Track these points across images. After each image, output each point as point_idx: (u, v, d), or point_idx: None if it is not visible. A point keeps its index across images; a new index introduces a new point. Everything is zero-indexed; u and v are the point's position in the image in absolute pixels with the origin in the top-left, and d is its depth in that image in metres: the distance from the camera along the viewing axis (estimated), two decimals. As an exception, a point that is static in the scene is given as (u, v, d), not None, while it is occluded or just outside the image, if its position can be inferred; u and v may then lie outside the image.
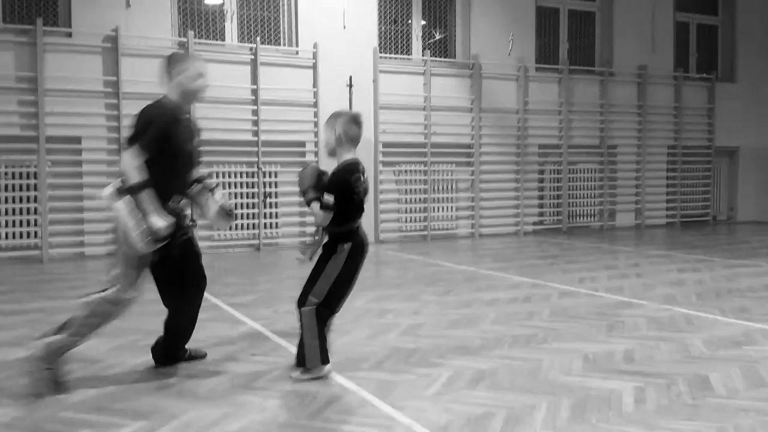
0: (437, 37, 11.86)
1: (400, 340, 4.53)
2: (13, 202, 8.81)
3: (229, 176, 9.93)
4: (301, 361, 3.68)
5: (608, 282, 6.84)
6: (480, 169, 11.68)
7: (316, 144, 10.33)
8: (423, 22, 11.66)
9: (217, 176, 9.82)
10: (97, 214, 9.11)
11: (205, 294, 6.17)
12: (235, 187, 9.97)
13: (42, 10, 9.08)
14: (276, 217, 10.27)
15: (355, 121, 3.72)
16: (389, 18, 11.36)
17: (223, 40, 10.12)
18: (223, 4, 10.18)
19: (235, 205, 9.94)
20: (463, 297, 6.07)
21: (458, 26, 11.81)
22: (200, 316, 5.26)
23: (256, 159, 10.00)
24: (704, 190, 13.92)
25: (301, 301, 3.69)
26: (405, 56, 11.39)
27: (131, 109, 9.25)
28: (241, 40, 10.21)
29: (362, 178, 3.65)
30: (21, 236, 8.84)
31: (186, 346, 4.05)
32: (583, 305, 5.63)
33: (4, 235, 8.76)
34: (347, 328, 4.85)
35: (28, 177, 8.86)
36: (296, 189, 10.90)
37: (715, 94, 13.82)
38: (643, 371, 3.80)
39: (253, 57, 9.99)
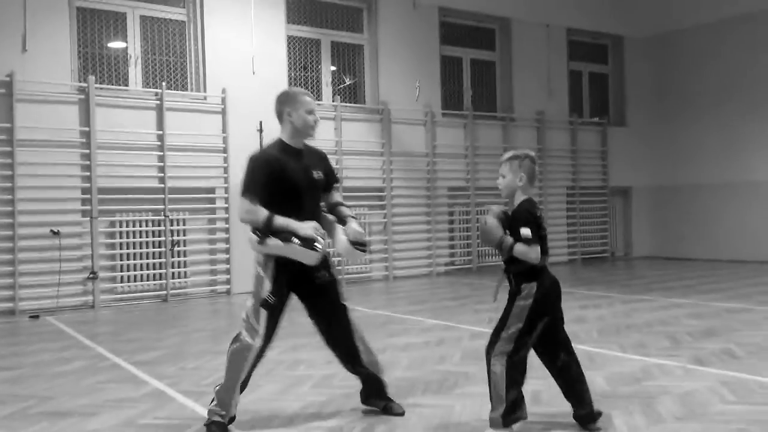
0: (347, 82, 12.03)
1: (312, 393, 4.42)
2: None
3: (134, 225, 9.55)
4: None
5: (516, 321, 6.99)
6: (392, 212, 11.81)
7: (226, 190, 10.14)
8: (333, 68, 11.81)
9: (122, 225, 9.44)
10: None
11: (104, 352, 5.92)
12: (141, 236, 9.59)
13: (-73, 54, 8.54)
14: (184, 266, 9.92)
15: (536, 161, 3.67)
16: (299, 64, 11.44)
17: (127, 85, 9.84)
18: (126, 48, 9.94)
19: (142, 254, 9.55)
20: (377, 343, 5.97)
21: (367, 73, 12.04)
22: (96, 377, 5.01)
23: (162, 206, 9.68)
24: (602, 227, 14.64)
25: (489, 349, 3.51)
26: (316, 101, 11.43)
27: (26, 158, 8.81)
28: (146, 86, 9.96)
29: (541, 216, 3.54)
30: None
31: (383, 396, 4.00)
32: (493, 347, 5.71)
33: None
34: (257, 382, 4.69)
35: None
36: (206, 237, 10.58)
37: (607, 137, 14.67)
38: (548, 412, 3.87)
39: (158, 102, 9.75)
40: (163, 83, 9.84)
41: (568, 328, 6.51)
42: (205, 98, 10.22)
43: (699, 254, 13.89)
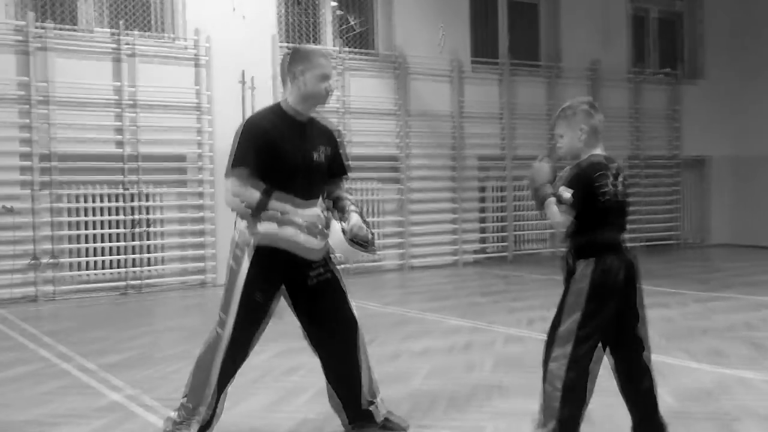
0: (353, 24, 11.97)
1: (308, 406, 4.45)
2: None
3: (88, 200, 9.61)
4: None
5: (562, 323, 7.00)
6: (409, 187, 11.81)
7: (203, 157, 10.17)
8: (334, 4, 11.75)
9: (71, 200, 9.50)
10: None
11: (48, 355, 5.98)
12: (96, 213, 9.66)
13: None
14: (151, 250, 9.99)
15: (597, 109, 3.59)
16: (293, 0, 11.39)
17: (75, 24, 9.85)
18: (78, -21, 9.93)
19: (99, 236, 9.62)
20: (389, 347, 6.06)
21: (379, 14, 11.98)
22: (50, 384, 5.07)
23: (122, 177, 9.73)
24: (670, 208, 14.57)
25: (547, 352, 3.45)
26: (314, 47, 11.41)
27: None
28: (100, 25, 9.97)
29: (612, 179, 3.39)
30: None
31: (380, 406, 3.98)
32: (533, 353, 5.68)
33: None
34: (243, 393, 4.73)
35: None
36: (178, 215, 10.67)
37: (680, 95, 14.54)
38: (604, 435, 3.87)
39: (116, 47, 9.76)
40: (121, 23, 9.83)
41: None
42: (173, 42, 10.23)
43: (792, 243, 13.81)
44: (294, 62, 3.71)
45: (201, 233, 10.25)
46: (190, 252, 10.25)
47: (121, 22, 9.84)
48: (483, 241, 12.72)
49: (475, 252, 12.54)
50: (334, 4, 11.77)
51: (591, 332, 3.38)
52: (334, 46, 11.47)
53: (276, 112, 3.75)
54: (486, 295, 9.06)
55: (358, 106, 11.42)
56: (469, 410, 4.33)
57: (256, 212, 3.57)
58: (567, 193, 3.32)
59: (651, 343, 6.07)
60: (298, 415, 4.30)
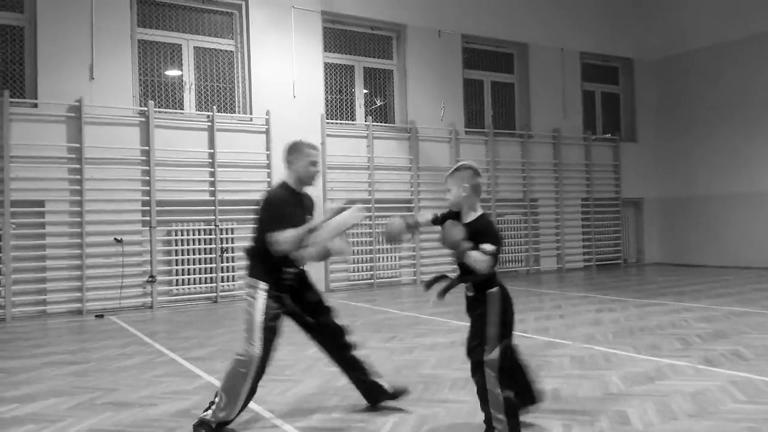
0: (378, 104, 12.08)
1: (348, 388, 4.40)
2: (-24, 263, 8.35)
3: (188, 234, 9.70)
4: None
5: (535, 323, 6.91)
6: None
7: (270, 202, 10.23)
8: (365, 91, 11.88)
9: (177, 234, 9.59)
10: (60, 273, 8.73)
11: (161, 348, 6.00)
12: (193, 243, 9.73)
13: (8, 83, 8.82)
14: (232, 270, 10.04)
15: (479, 173, 3.47)
16: (335, 88, 11.54)
17: (182, 108, 10.03)
18: (181, 75, 10.14)
19: (194, 260, 9.69)
20: (406, 342, 6.01)
21: (396, 95, 12.08)
22: (155, 371, 5.08)
23: (213, 217, 9.82)
24: (615, 236, 14.40)
25: (477, 360, 3.19)
26: (349, 121, 11.53)
27: (93, 174, 9.02)
28: (198, 109, 10.14)
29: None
30: (-18, 296, 8.35)
31: (383, 384, 3.90)
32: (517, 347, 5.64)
33: (-35, 296, 8.26)
34: (299, 377, 4.72)
35: (-9, 239, 8.43)
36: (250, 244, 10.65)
37: (620, 153, 14.46)
38: (568, 409, 3.80)
39: (210, 123, 9.92)
40: (214, 107, 10.01)
41: (585, 329, 6.46)
42: (251, 119, 10.36)
43: (707, 261, 13.57)
44: (290, 153, 3.80)
45: (269, 257, 10.27)
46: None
47: (214, 107, 10.01)
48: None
49: (470, 269, 12.42)
50: (365, 91, 11.90)
51: (509, 341, 3.29)
52: (365, 119, 11.56)
53: (286, 188, 3.78)
54: (478, 302, 8.92)
55: (381, 162, 11.47)
56: (466, 390, 4.27)
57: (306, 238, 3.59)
58: (492, 248, 3.20)
59: (603, 339, 5.99)
60: (340, 395, 4.27)
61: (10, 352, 6.15)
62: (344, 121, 11.44)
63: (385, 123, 11.93)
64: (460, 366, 4.95)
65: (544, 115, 13.47)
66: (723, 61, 13.40)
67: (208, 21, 10.40)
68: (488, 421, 3.17)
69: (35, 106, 8.79)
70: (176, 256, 9.58)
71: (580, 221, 13.86)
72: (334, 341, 3.86)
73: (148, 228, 9.27)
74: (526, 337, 6.08)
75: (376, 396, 3.90)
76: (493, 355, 3.15)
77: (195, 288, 9.70)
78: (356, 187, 11.13)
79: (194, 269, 9.69)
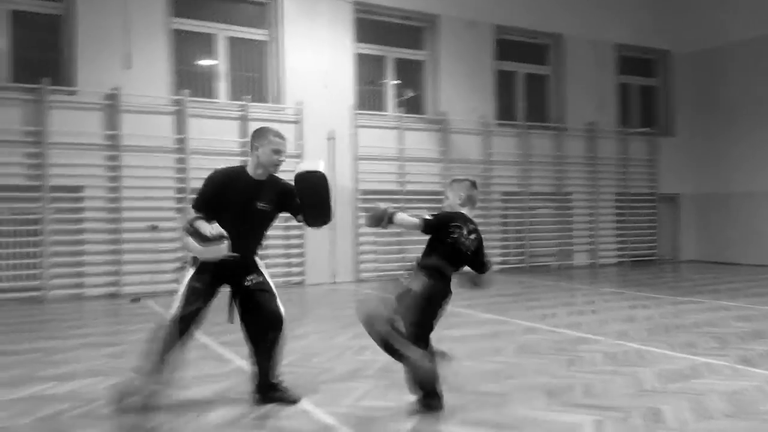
0: (409, 95, 12.04)
1: (377, 377, 4.44)
2: (18, 246, 8.61)
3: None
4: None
5: (567, 318, 6.84)
6: (449, 214, 11.72)
7: (300, 192, 10.31)
8: (396, 82, 11.85)
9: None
10: (96, 257, 8.94)
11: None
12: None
13: (48, 71, 9.03)
14: (264, 258, 10.13)
15: (476, 186, 3.77)
16: (366, 79, 11.53)
17: (216, 97, 10.15)
18: (215, 65, 10.25)
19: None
20: (434, 333, 5.97)
21: (428, 86, 12.02)
22: (188, 354, 5.14)
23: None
24: (650, 232, 14.12)
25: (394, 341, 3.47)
26: (380, 112, 11.52)
27: (130, 161, 9.21)
28: (232, 98, 10.25)
29: (463, 230, 3.55)
30: (23, 278, 8.61)
31: (279, 384, 3.90)
32: (545, 341, 5.60)
33: (7, 277, 8.52)
34: (328, 365, 4.76)
35: (31, 223, 8.68)
36: (282, 232, 10.70)
37: (656, 147, 14.15)
38: (600, 404, 3.76)
39: (243, 113, 10.02)
40: (247, 96, 10.10)
41: (618, 326, 6.37)
42: (283, 109, 10.43)
43: (744, 259, 13.22)
44: (255, 138, 3.80)
45: (300, 245, 10.38)
46: (292, 259, 10.38)
47: (248, 97, 10.11)
48: (505, 255, 12.53)
49: (500, 263, 12.36)
50: (396, 82, 11.87)
51: (421, 331, 3.60)
52: (396, 111, 11.54)
53: (233, 170, 3.84)
54: (508, 296, 8.89)
55: (412, 154, 11.44)
56: (497, 382, 4.26)
57: (186, 228, 3.67)
58: (426, 215, 3.54)
59: (637, 336, 5.90)
60: (369, 383, 4.29)
61: (49, 332, 6.34)
62: (375, 112, 11.43)
63: (416, 114, 11.88)
64: (491, 359, 4.94)
65: (578, 107, 13.25)
66: (765, 54, 12.98)
67: (242, 11, 10.48)
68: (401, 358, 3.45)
69: (73, 93, 8.99)
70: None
71: (614, 216, 13.64)
72: (258, 331, 3.84)
73: (180, 215, 9.42)
74: (556, 332, 6.02)
75: (265, 394, 3.86)
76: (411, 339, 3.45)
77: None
78: (386, 179, 11.13)
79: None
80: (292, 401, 3.81)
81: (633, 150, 13.90)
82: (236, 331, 6.20)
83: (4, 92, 8.62)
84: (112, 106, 9.10)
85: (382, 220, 3.55)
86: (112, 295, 8.87)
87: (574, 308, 7.61)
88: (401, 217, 3.58)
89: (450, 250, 3.56)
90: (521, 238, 12.58)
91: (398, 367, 4.66)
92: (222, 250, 3.55)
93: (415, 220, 3.55)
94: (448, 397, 3.88)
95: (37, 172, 8.65)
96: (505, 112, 12.78)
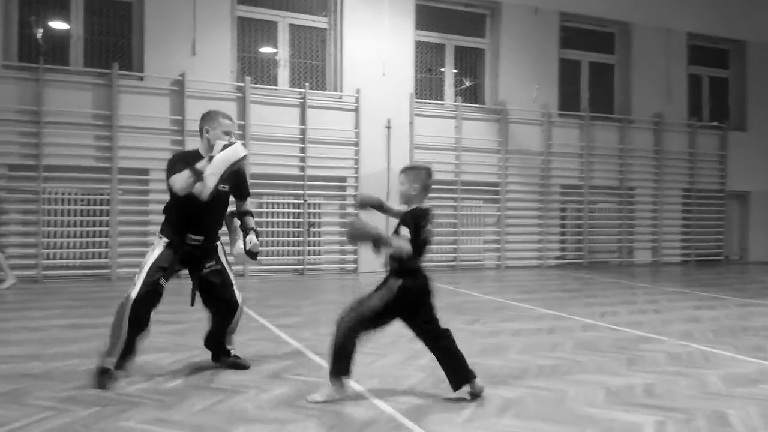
0: (467, 84, 11.92)
1: (431, 366, 4.44)
2: (87, 225, 9.04)
3: (278, 206, 10.04)
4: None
5: (628, 317, 6.67)
6: (506, 206, 11.60)
7: (356, 180, 10.41)
8: (455, 71, 11.75)
9: (267, 206, 9.95)
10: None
11: (253, 314, 6.28)
12: (283, 216, 10.08)
13: (118, 56, 9.40)
14: (318, 245, 10.32)
15: (432, 175, 3.77)
16: (424, 67, 11.48)
17: (276, 85, 10.33)
18: (276, 53, 10.42)
19: (282, 233, 10.03)
20: (490, 326, 5.97)
21: (487, 75, 11.87)
22: (248, 335, 5.33)
23: (302, 192, 10.10)
24: (717, 230, 13.58)
25: (342, 317, 3.64)
26: (438, 101, 11.46)
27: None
28: (291, 85, 10.41)
29: (429, 224, 3.62)
30: (93, 256, 9.04)
31: (233, 351, 4.29)
32: (605, 339, 5.49)
33: (77, 255, 8.97)
34: (382, 351, 4.81)
35: (101, 204, 9.09)
36: (337, 220, 10.92)
37: (727, 142, 13.55)
38: (663, 405, 3.66)
39: (302, 100, 10.16)
40: (306, 84, 10.24)
41: (682, 326, 6.17)
42: (341, 97, 10.52)
43: (821, 262, 12.53)
44: (205, 121, 3.97)
45: (353, 234, 10.47)
46: (347, 247, 10.50)
47: (306, 84, 10.25)
48: (563, 249, 12.30)
49: (557, 258, 12.15)
50: (455, 70, 11.76)
51: (373, 326, 3.65)
52: (453, 100, 11.45)
53: (189, 152, 4.03)
54: (566, 291, 8.74)
55: (469, 144, 11.34)
56: (554, 378, 4.20)
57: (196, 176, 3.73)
58: (405, 231, 3.52)
59: (702, 337, 5.70)
60: (423, 371, 4.32)
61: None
62: (433, 101, 11.38)
63: (474, 104, 11.76)
64: (549, 354, 4.88)
65: (645, 99, 12.81)
66: None
67: (304, -2, 10.61)
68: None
69: (141, 79, 9.33)
70: (266, 228, 9.95)
71: (680, 213, 13.18)
72: (216, 312, 4.14)
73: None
74: (616, 330, 5.89)
75: (218, 355, 4.24)
76: (353, 322, 3.54)
77: (282, 260, 10.05)
78: (443, 168, 11.08)
79: (282, 241, 10.04)
80: (245, 366, 4.19)
81: (702, 144, 13.36)
82: (293, 315, 6.37)
83: (77, 76, 9.03)
84: (177, 92, 9.40)
85: (376, 244, 3.47)
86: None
87: (635, 306, 7.41)
88: (398, 243, 3.48)
89: (423, 247, 3.63)
90: (580, 233, 12.31)
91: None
92: (238, 148, 3.80)
93: (408, 247, 3.47)
94: (503, 390, 3.87)
95: (107, 155, 9.04)
96: (568, 102, 12.49)
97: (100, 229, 9.07)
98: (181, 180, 3.74)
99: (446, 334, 3.73)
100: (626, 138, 12.61)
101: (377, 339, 5.24)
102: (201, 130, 3.98)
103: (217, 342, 4.25)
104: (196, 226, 3.95)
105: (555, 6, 12.06)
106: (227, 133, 3.93)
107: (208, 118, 3.98)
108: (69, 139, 8.85)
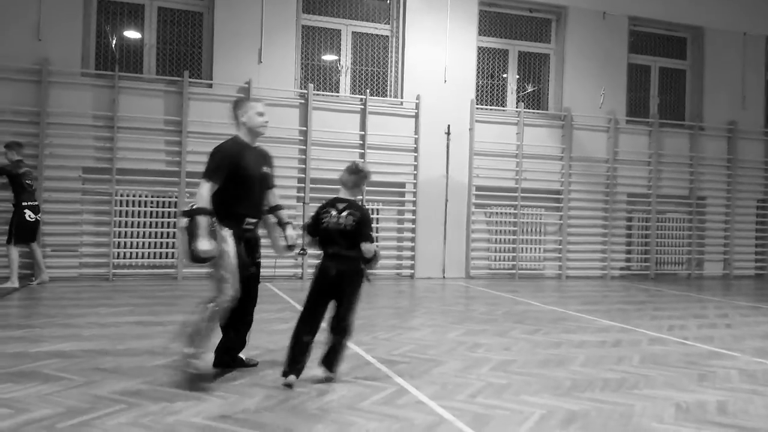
0: (530, 90, 11.76)
1: (492, 375, 4.41)
2: (156, 226, 9.41)
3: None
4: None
5: (698, 331, 6.39)
6: (568, 214, 11.35)
7: (415, 185, 10.42)
8: (517, 77, 11.62)
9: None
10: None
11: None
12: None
13: (188, 65, 9.78)
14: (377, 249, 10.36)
15: (349, 170, 4.16)
16: (486, 72, 11.40)
17: (338, 91, 10.49)
18: (338, 60, 10.59)
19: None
20: (552, 337, 5.85)
21: (551, 80, 11.67)
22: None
23: (360, 197, 10.19)
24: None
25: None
26: (500, 107, 11.35)
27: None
28: (353, 92, 10.54)
29: (331, 212, 4.00)
30: (160, 256, 9.40)
31: (241, 355, 4.34)
32: (673, 353, 5.28)
33: (146, 255, 9.35)
34: (442, 359, 4.79)
35: (169, 206, 9.45)
36: (395, 225, 10.92)
37: (809, 150, 12.82)
38: (737, 424, 3.49)
39: (362, 106, 10.28)
40: (367, 90, 10.35)
41: (757, 342, 5.88)
42: (401, 103, 10.57)
43: None
44: (236, 108, 4.11)
45: (412, 239, 10.50)
46: (404, 252, 10.52)
47: (367, 90, 10.37)
48: (628, 260, 11.92)
49: (621, 269, 11.78)
50: (517, 76, 11.62)
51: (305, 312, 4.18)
52: (515, 106, 11.32)
53: (236, 141, 4.06)
54: (631, 303, 8.46)
55: (531, 151, 11.16)
56: (621, 392, 4.07)
57: (192, 211, 3.84)
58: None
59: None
60: (483, 380, 4.27)
61: (181, 307, 6.89)
62: (495, 107, 11.28)
63: (537, 110, 11.58)
64: (614, 367, 4.74)
65: (718, 105, 12.29)
66: None
67: (367, 6, 10.73)
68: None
69: (210, 86, 9.66)
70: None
71: (754, 224, 12.56)
72: (242, 309, 4.11)
73: (302, 204, 9.85)
74: (685, 344, 5.66)
75: (228, 363, 4.24)
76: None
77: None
78: (503, 175, 10.96)
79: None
80: (254, 364, 4.31)
81: (780, 152, 12.69)
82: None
83: (150, 83, 9.44)
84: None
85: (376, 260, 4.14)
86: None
87: (705, 320, 7.09)
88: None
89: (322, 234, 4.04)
90: (648, 243, 11.91)
91: (513, 368, 4.61)
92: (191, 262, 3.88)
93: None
94: (567, 403, 3.78)
95: (176, 159, 9.40)
96: (636, 108, 12.13)
97: (168, 230, 9.42)
98: (203, 201, 3.85)
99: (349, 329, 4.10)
100: (697, 146, 12.13)
101: (436, 345, 5.24)
102: (236, 119, 4.09)
103: (235, 350, 4.25)
104: (251, 209, 4.05)
105: (624, 10, 11.75)
106: (261, 114, 4.07)
107: (238, 105, 4.13)
108: (141, 143, 9.25)
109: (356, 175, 4.15)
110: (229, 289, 3.86)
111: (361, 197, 4.24)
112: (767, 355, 5.29)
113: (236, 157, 3.96)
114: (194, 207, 3.84)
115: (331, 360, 4.06)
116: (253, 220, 4.08)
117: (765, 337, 6.18)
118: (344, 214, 4.01)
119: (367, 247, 4.02)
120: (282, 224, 4.29)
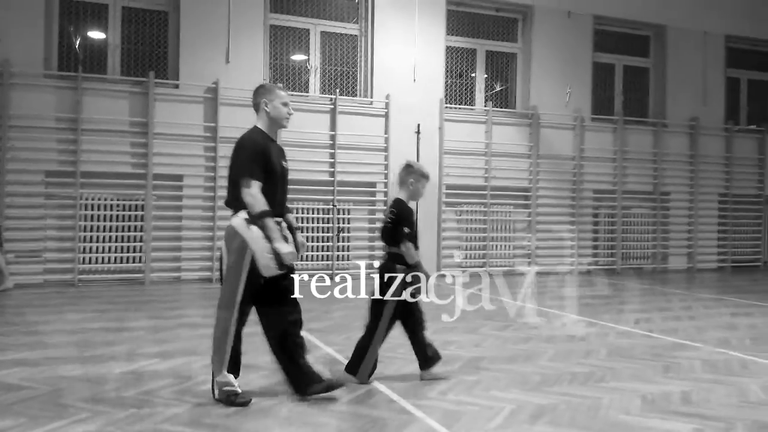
0: (498, 89, 11.87)
1: (462, 371, 4.44)
2: (122, 230, 9.24)
3: (308, 212, 10.13)
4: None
5: (662, 323, 6.54)
6: (537, 211, 11.50)
7: (386, 185, 10.44)
8: (485, 76, 11.71)
9: (297, 212, 10.04)
10: (194, 243, 9.46)
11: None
12: (313, 222, 10.15)
13: (154, 65, 9.62)
14: (348, 249, 10.37)
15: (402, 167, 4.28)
16: (455, 72, 11.47)
17: (307, 91, 10.43)
18: (307, 60, 10.53)
19: (312, 238, 10.12)
20: (521, 333, 5.92)
21: (518, 79, 11.80)
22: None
23: (331, 197, 10.17)
24: (755, 236, 13.23)
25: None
26: (468, 106, 11.43)
27: (227, 152, 9.61)
28: (322, 92, 10.50)
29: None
30: (127, 261, 9.24)
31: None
32: (639, 346, 5.39)
33: (112, 259, 9.18)
34: (413, 357, 4.79)
35: (135, 209, 9.29)
36: (367, 225, 10.91)
37: (765, 146, 13.22)
38: (700, 414, 3.58)
39: (332, 106, 10.25)
40: (337, 90, 10.32)
41: (719, 333, 6.02)
42: (371, 103, 10.57)
43: None
44: (260, 95, 3.69)
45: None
46: (377, 252, 10.52)
47: (336, 90, 10.34)
48: (595, 255, 12.12)
49: (589, 264, 11.97)
50: (485, 75, 11.72)
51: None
52: (484, 105, 11.41)
53: (259, 133, 3.68)
54: (598, 298, 8.61)
55: (499, 149, 11.27)
56: (588, 385, 4.15)
57: (256, 218, 3.49)
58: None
59: (739, 344, 5.55)
60: (455, 377, 4.30)
61: (149, 312, 6.78)
62: (463, 106, 11.36)
63: (505, 108, 11.70)
64: (582, 360, 4.82)
65: (681, 102, 12.58)
66: None
67: (335, 6, 10.70)
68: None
69: (176, 87, 9.52)
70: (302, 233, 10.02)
71: (716, 218, 12.89)
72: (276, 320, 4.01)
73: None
74: (651, 337, 5.78)
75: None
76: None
77: (313, 264, 10.12)
78: (473, 174, 11.05)
79: (313, 246, 10.11)
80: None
81: (739, 148, 13.06)
82: (322, 320, 6.41)
83: (115, 84, 9.27)
84: (211, 99, 9.57)
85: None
86: (208, 280, 9.35)
87: (669, 313, 7.26)
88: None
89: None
90: (614, 239, 12.13)
91: (484, 364, 4.66)
92: (289, 259, 3.52)
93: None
94: (536, 397, 3.83)
95: (142, 161, 9.24)
96: (601, 106, 12.34)
97: (135, 234, 9.26)
98: (257, 202, 3.49)
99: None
100: (661, 142, 12.40)
101: (406, 344, 5.25)
102: (258, 105, 3.70)
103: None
104: (277, 207, 3.64)
105: (589, 9, 11.94)
106: (286, 104, 3.72)
107: (264, 91, 3.72)
108: (106, 146, 9.07)
109: (403, 171, 4.23)
110: (236, 296, 3.68)
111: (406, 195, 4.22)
112: (729, 346, 5.44)
113: (266, 151, 3.59)
114: (256, 212, 3.47)
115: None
116: (279, 219, 3.65)
117: (727, 328, 6.36)
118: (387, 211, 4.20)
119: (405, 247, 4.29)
120: (291, 229, 3.84)
